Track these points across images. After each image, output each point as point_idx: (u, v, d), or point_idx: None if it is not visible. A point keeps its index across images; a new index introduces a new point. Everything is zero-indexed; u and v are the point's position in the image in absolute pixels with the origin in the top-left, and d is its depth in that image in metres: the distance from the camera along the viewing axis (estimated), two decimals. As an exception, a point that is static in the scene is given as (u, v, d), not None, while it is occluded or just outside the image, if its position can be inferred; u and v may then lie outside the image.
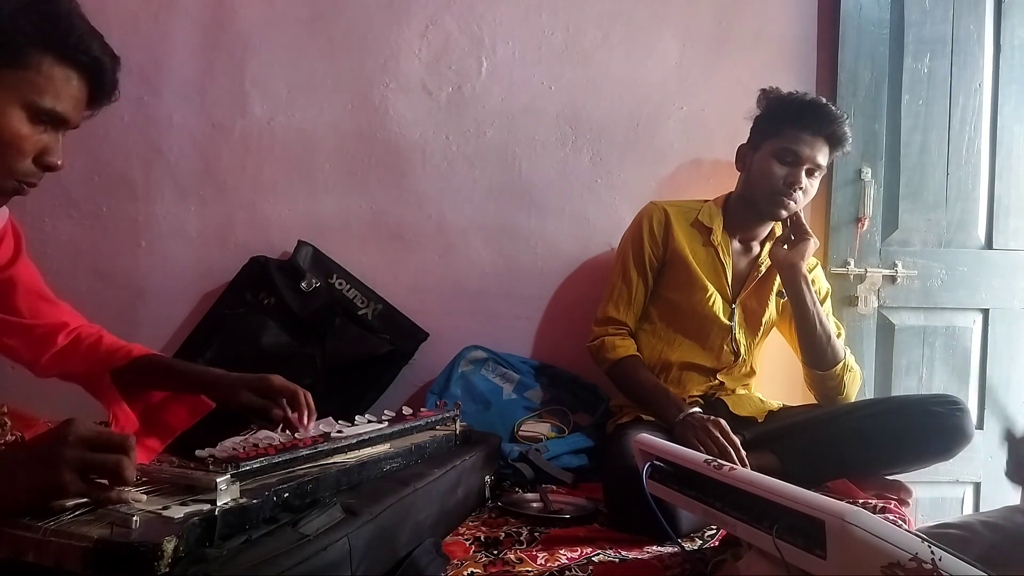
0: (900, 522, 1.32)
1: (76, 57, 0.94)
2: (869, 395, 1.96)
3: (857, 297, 2.00)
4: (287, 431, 1.13)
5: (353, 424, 1.23)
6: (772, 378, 1.90)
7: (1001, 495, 1.97)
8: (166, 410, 1.26)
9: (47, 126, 0.96)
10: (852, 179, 2.00)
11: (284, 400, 1.18)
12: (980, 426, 1.98)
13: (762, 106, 1.70)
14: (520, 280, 2.03)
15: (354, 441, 1.14)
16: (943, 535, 1.01)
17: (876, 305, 2.01)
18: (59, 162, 0.98)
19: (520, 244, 2.03)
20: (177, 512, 0.78)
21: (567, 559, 1.15)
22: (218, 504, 0.82)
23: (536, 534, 1.27)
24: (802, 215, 1.71)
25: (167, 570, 0.70)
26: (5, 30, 0.89)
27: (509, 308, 2.03)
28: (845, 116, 1.66)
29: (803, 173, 1.63)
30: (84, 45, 0.94)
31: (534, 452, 1.66)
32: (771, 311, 1.78)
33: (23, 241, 1.23)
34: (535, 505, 1.44)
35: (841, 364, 1.68)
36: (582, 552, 1.18)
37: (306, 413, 1.18)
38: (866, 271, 2.00)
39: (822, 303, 1.73)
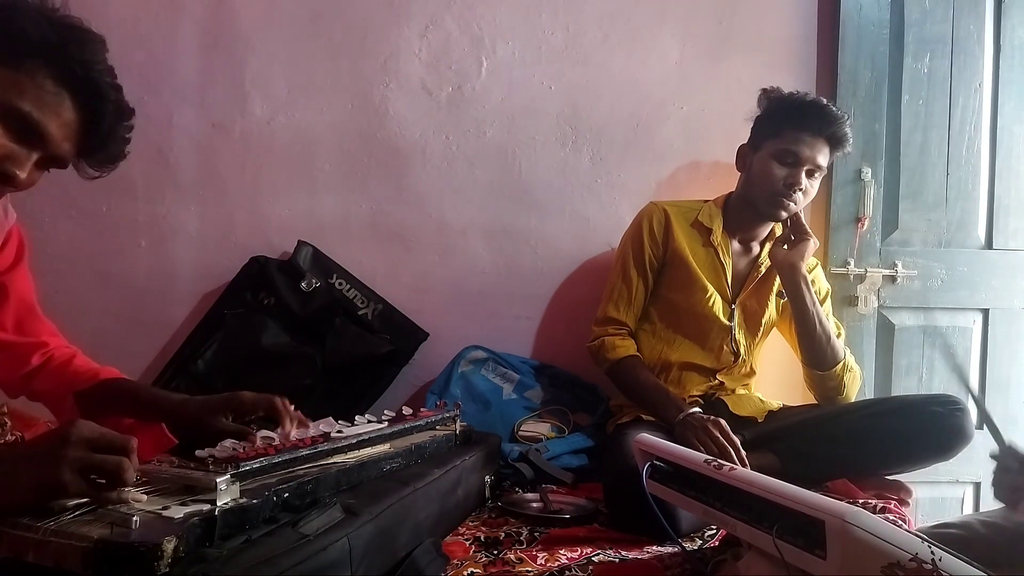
0: (900, 522, 1.32)
1: (72, 70, 0.89)
2: (869, 395, 1.96)
3: (857, 297, 2.00)
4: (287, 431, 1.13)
5: (353, 424, 1.23)
6: (772, 378, 1.90)
7: (1001, 495, 1.97)
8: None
9: (22, 137, 0.89)
10: (852, 179, 2.00)
11: (261, 413, 1.14)
12: (980, 426, 1.97)
13: (762, 106, 1.70)
14: (520, 280, 2.03)
15: (354, 441, 1.14)
16: (943, 535, 1.01)
17: (876, 305, 2.01)
18: (21, 176, 0.90)
19: (520, 244, 2.03)
20: (177, 512, 0.78)
21: (567, 559, 1.15)
22: (218, 504, 0.82)
23: (536, 534, 1.27)
24: (802, 215, 1.71)
25: (167, 570, 0.70)
26: (14, 32, 0.86)
27: (509, 308, 2.03)
28: (845, 116, 1.65)
29: (803, 174, 1.63)
30: (84, 63, 0.89)
31: (534, 452, 1.66)
32: (771, 311, 1.78)
33: (26, 250, 1.20)
34: (535, 505, 1.44)
35: (841, 364, 1.68)
36: (582, 552, 1.18)
37: (287, 419, 1.13)
38: (866, 271, 2.00)
39: (822, 303, 1.73)
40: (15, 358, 1.21)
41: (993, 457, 1.14)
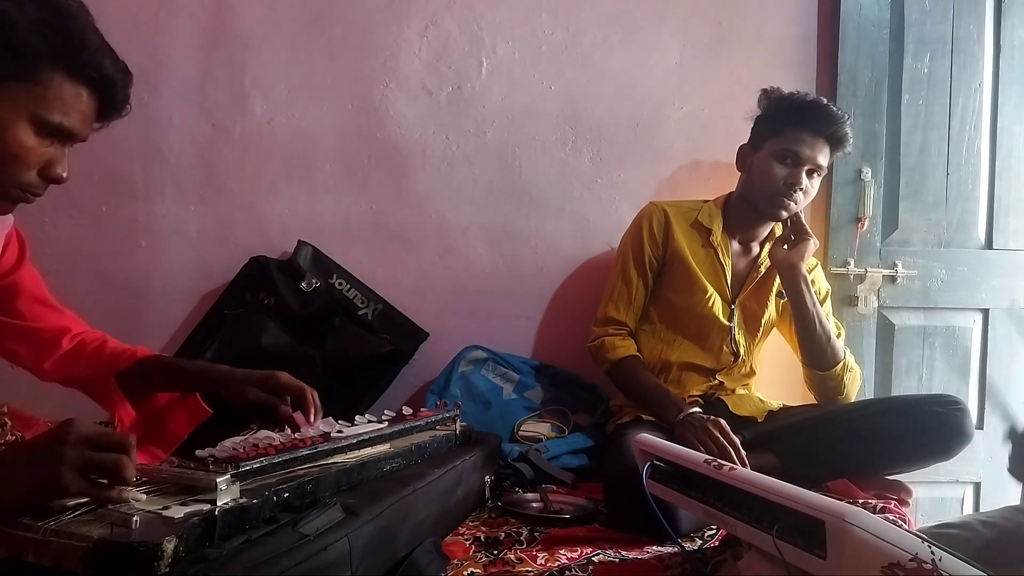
0: (900, 522, 1.32)
1: (86, 74, 0.93)
2: (869, 395, 1.96)
3: (857, 297, 2.00)
4: (288, 431, 1.13)
5: (353, 424, 1.23)
6: (772, 378, 1.90)
7: (1001, 495, 1.97)
8: (169, 415, 1.25)
9: (54, 139, 0.96)
10: (852, 179, 2.00)
11: (290, 398, 1.18)
12: (980, 426, 1.98)
13: (763, 106, 1.70)
14: (520, 280, 2.03)
15: (354, 441, 1.14)
16: (943, 535, 1.01)
17: (876, 305, 2.01)
18: (64, 174, 0.98)
19: (520, 244, 2.03)
20: (177, 512, 0.78)
21: (567, 559, 1.15)
22: (218, 504, 0.82)
23: (536, 534, 1.27)
24: (802, 215, 1.71)
25: (167, 570, 0.70)
26: (16, 44, 0.88)
27: (509, 308, 2.03)
28: (846, 116, 1.65)
29: (804, 174, 1.63)
30: (95, 62, 0.93)
31: (534, 452, 1.66)
32: (771, 312, 1.78)
33: (27, 248, 1.23)
34: (535, 505, 1.44)
35: (841, 364, 1.68)
36: (582, 552, 1.18)
37: (312, 411, 1.18)
38: (866, 271, 2.00)
39: (822, 303, 1.73)
40: (43, 344, 1.23)
41: (1010, 437, 1.11)
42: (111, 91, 0.97)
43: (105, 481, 0.78)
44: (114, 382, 1.22)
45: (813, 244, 1.67)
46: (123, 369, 1.23)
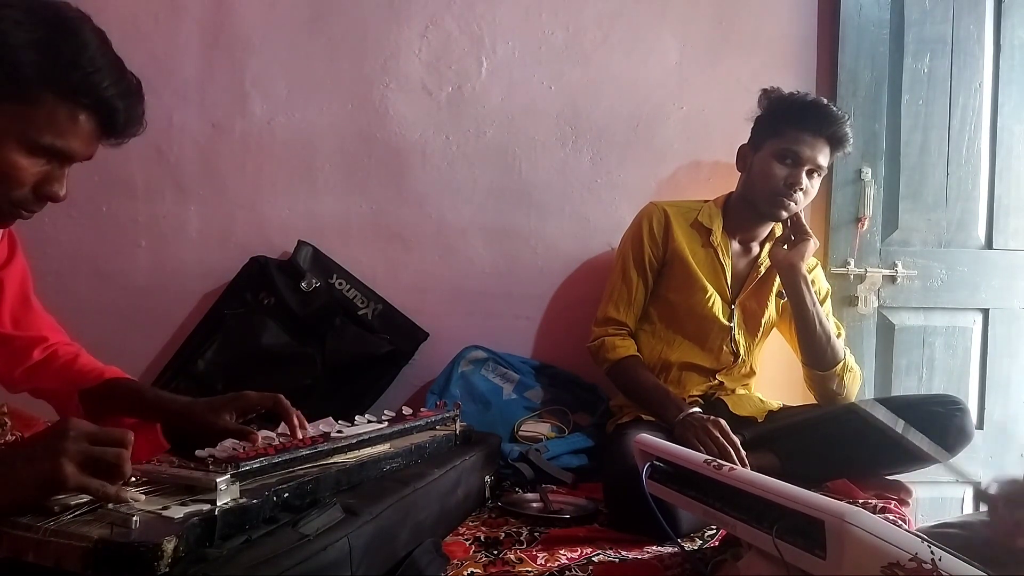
0: (900, 522, 1.32)
1: (78, 99, 0.90)
2: (869, 395, 1.95)
3: (857, 297, 2.00)
4: (287, 431, 1.13)
5: (353, 424, 1.23)
6: (772, 378, 1.90)
7: (1001, 495, 1.97)
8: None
9: (49, 159, 0.93)
10: (852, 179, 2.00)
11: (264, 411, 1.15)
12: (980, 426, 1.98)
13: (763, 106, 1.70)
14: (520, 280, 2.03)
15: (354, 441, 1.14)
16: (943, 535, 1.01)
17: (876, 305, 2.01)
18: (61, 193, 0.96)
19: (520, 244, 2.03)
20: (177, 512, 0.78)
21: (567, 559, 1.15)
22: (218, 504, 0.82)
23: (536, 534, 1.27)
24: (802, 215, 1.71)
25: (167, 570, 0.70)
26: (8, 65, 0.86)
27: (509, 308, 2.03)
28: (846, 116, 1.65)
29: (804, 174, 1.63)
30: (89, 84, 0.90)
31: (534, 452, 1.66)
32: (771, 312, 1.78)
33: (19, 245, 1.21)
34: (535, 505, 1.44)
35: (841, 364, 1.68)
36: (582, 552, 1.18)
37: (294, 417, 1.13)
38: (866, 271, 2.00)
39: (822, 303, 1.73)
40: (15, 352, 1.21)
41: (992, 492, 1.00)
42: (110, 114, 0.94)
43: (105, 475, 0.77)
44: (76, 399, 1.19)
45: (813, 244, 1.67)
46: (87, 388, 1.20)
